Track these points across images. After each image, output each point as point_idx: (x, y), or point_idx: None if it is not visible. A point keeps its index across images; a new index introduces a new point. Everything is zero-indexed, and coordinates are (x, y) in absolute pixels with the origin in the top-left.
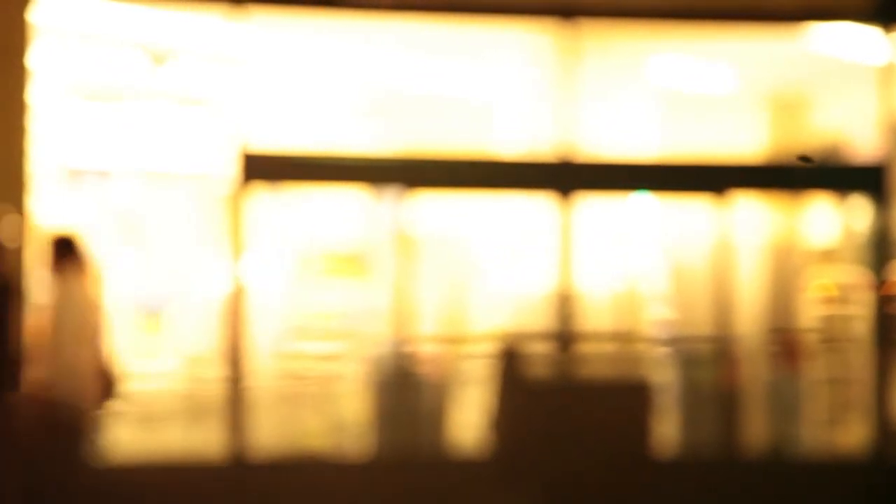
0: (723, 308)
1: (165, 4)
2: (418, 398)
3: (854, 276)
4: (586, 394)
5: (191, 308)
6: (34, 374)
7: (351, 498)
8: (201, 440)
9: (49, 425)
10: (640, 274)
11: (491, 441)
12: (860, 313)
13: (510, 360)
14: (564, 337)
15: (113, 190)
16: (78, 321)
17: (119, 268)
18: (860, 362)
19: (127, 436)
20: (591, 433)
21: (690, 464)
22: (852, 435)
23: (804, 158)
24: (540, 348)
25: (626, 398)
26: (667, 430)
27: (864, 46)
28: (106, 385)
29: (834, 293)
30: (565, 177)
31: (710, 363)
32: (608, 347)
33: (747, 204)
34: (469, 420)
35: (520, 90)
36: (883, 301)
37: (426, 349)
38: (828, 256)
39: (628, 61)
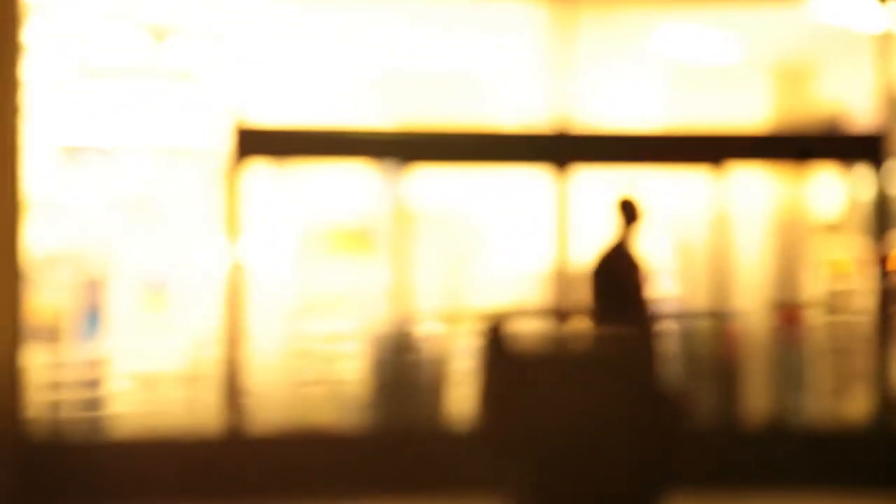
0: (725, 280)
1: None
2: (418, 374)
3: (858, 248)
4: (582, 368)
5: (194, 285)
6: None
7: (348, 470)
8: (203, 416)
9: None
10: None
11: (486, 416)
12: (864, 285)
13: (505, 337)
14: (562, 312)
15: (112, 167)
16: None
17: (121, 245)
18: (863, 333)
19: (130, 412)
20: (589, 407)
21: (693, 435)
22: (856, 405)
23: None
24: (537, 324)
25: (626, 372)
26: None
27: (866, 16)
28: None
29: (848, 269)
30: (563, 149)
31: (712, 336)
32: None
33: (749, 175)
34: (468, 395)
35: (518, 63)
36: (885, 273)
37: (426, 325)
38: (831, 228)
39: (628, 31)
